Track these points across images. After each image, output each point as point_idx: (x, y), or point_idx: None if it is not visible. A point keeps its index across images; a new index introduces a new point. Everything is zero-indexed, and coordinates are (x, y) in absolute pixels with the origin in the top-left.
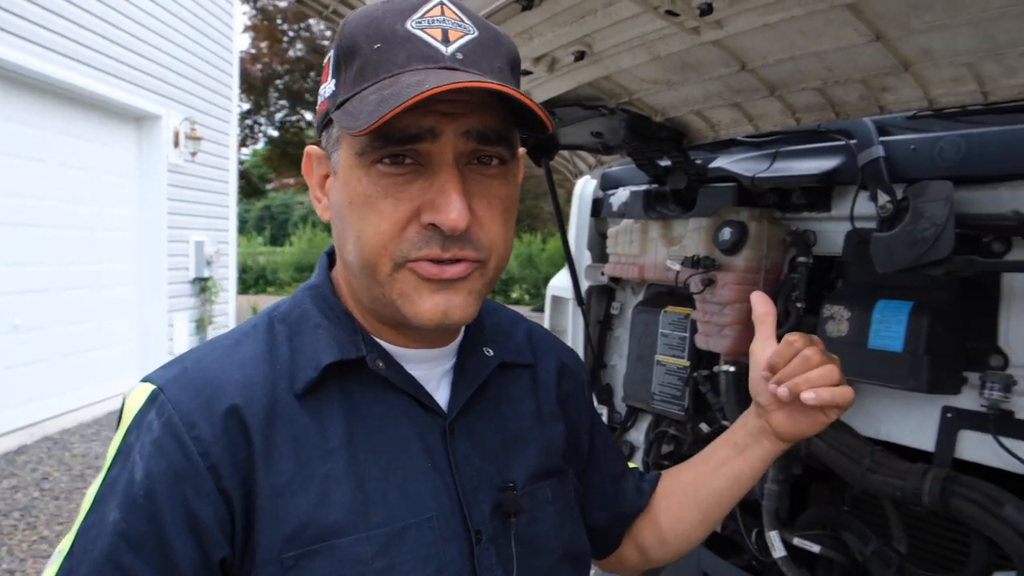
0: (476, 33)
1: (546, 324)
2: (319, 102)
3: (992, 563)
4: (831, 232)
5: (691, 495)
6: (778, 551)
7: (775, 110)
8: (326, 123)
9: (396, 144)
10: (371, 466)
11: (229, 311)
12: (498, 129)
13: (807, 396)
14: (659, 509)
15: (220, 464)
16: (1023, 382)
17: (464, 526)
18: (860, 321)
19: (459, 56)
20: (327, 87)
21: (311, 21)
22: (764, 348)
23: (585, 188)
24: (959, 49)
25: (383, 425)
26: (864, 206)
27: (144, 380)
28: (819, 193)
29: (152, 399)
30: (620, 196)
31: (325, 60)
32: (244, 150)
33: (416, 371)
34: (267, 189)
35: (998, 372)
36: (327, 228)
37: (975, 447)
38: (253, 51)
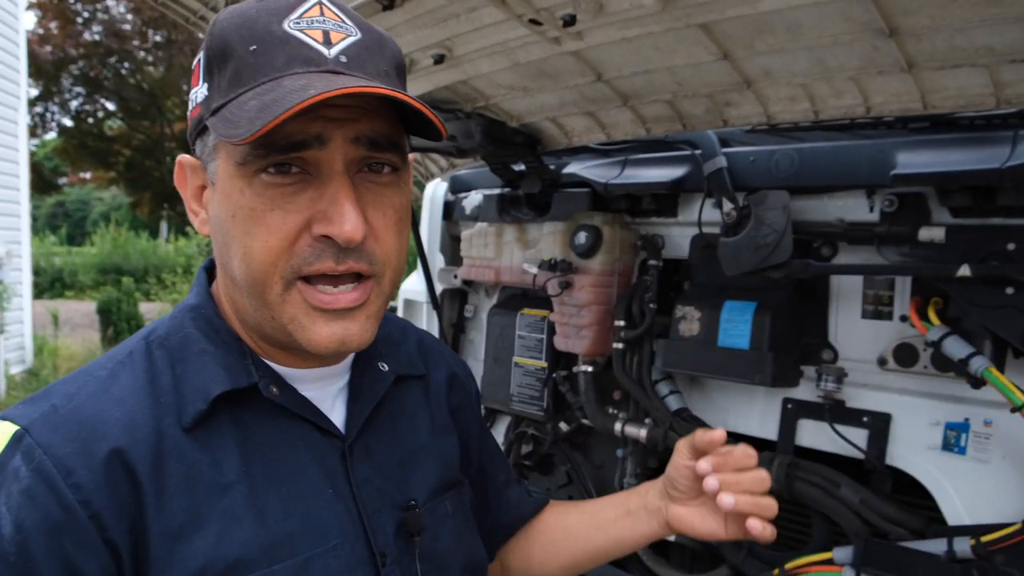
0: (359, 35)
1: None
2: (190, 107)
3: (831, 540)
4: (677, 237)
5: (570, 541)
6: None
7: (627, 120)
8: (200, 130)
9: (281, 152)
10: (271, 498)
11: (24, 318)
12: (389, 135)
13: (725, 500)
14: (535, 540)
15: (103, 512)
16: (853, 374)
17: (369, 550)
18: (710, 321)
19: (343, 59)
20: (199, 91)
21: (109, 2)
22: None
23: (436, 191)
24: (796, 71)
25: (280, 453)
26: (709, 213)
27: (2, 418)
28: (667, 200)
29: (16, 441)
30: (473, 199)
31: (195, 61)
32: (33, 140)
33: (309, 392)
34: (61, 184)
35: (831, 365)
36: (133, 226)
37: (812, 434)
38: (41, 31)
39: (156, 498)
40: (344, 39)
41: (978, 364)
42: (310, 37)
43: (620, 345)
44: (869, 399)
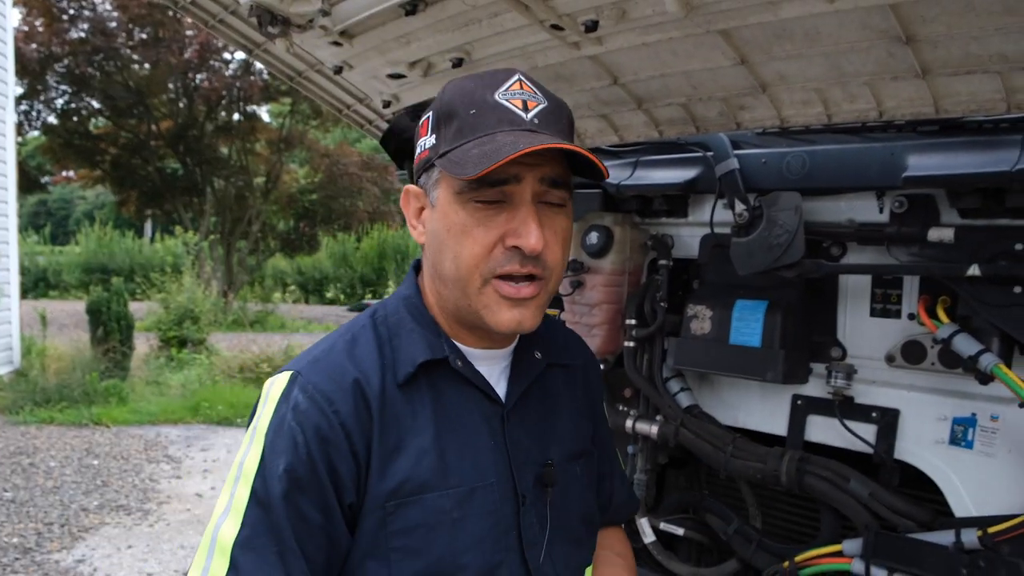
0: (547, 103)
1: None
2: (418, 151)
3: (839, 533)
4: (687, 237)
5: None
6: (648, 536)
7: (640, 122)
8: (427, 167)
9: (490, 187)
10: (450, 442)
11: (12, 318)
12: (563, 176)
13: None
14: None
15: (352, 431)
16: (861, 371)
17: (514, 492)
18: (721, 319)
19: (536, 121)
20: (427, 140)
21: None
22: None
23: None
24: (811, 76)
25: (459, 410)
26: (720, 214)
27: (282, 370)
28: (677, 200)
29: (293, 380)
30: None
31: (423, 119)
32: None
33: (481, 367)
34: (46, 183)
35: (842, 362)
36: (117, 225)
37: (821, 430)
38: (26, 28)
39: (380, 427)
40: (537, 106)
41: (987, 361)
42: (513, 105)
43: (631, 343)
44: (878, 395)
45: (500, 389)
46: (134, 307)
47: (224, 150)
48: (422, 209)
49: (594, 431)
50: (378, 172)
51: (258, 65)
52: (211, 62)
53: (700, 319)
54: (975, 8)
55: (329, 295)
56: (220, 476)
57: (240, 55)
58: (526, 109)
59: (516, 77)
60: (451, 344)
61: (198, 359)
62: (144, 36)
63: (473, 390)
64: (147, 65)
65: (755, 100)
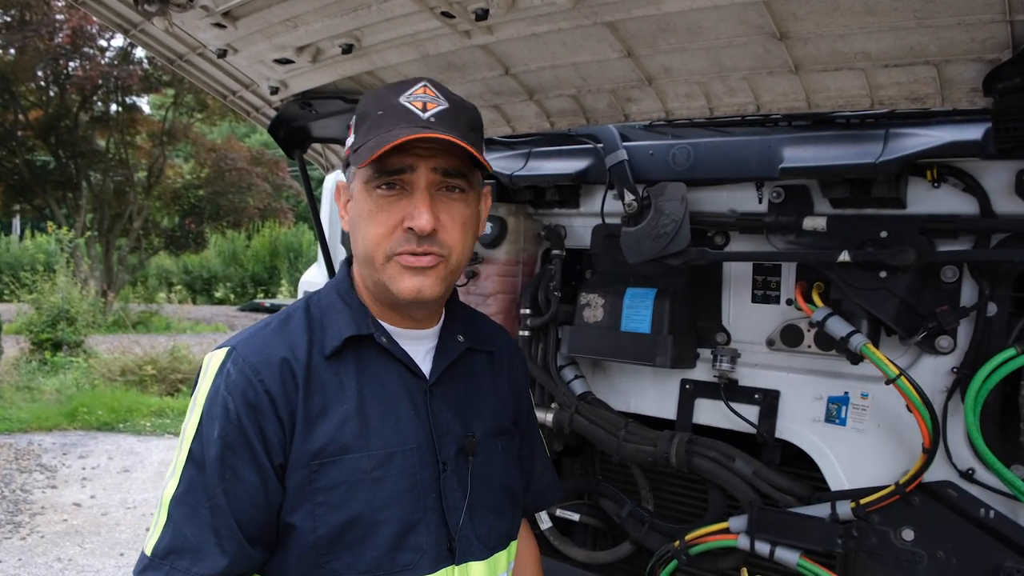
0: (446, 105)
1: None
2: (344, 149)
3: (726, 511)
4: (579, 227)
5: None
6: (545, 523)
7: (532, 113)
8: (347, 163)
9: (388, 175)
10: (373, 410)
11: None
12: (457, 167)
13: None
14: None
15: (277, 398)
16: (745, 354)
17: (435, 458)
18: (613, 307)
19: (431, 120)
20: (349, 140)
21: None
22: None
23: (336, 183)
24: (693, 69)
25: (383, 382)
26: (610, 204)
27: (220, 346)
28: (570, 191)
29: (228, 354)
30: None
31: (350, 123)
32: None
33: (407, 347)
34: None
35: (727, 347)
36: None
37: (708, 412)
38: None
39: (304, 395)
40: (435, 107)
41: (857, 341)
42: (414, 106)
43: (526, 332)
44: (759, 377)
45: (425, 367)
46: (0, 308)
47: (101, 143)
48: (348, 201)
49: (516, 415)
50: (269, 167)
51: (138, 53)
52: (85, 49)
53: (593, 307)
54: (840, 8)
55: (218, 295)
56: (101, 484)
57: (117, 42)
58: (424, 109)
59: (422, 83)
60: (376, 323)
61: (75, 362)
62: (8, 19)
63: (397, 364)
64: (12, 50)
65: (642, 92)
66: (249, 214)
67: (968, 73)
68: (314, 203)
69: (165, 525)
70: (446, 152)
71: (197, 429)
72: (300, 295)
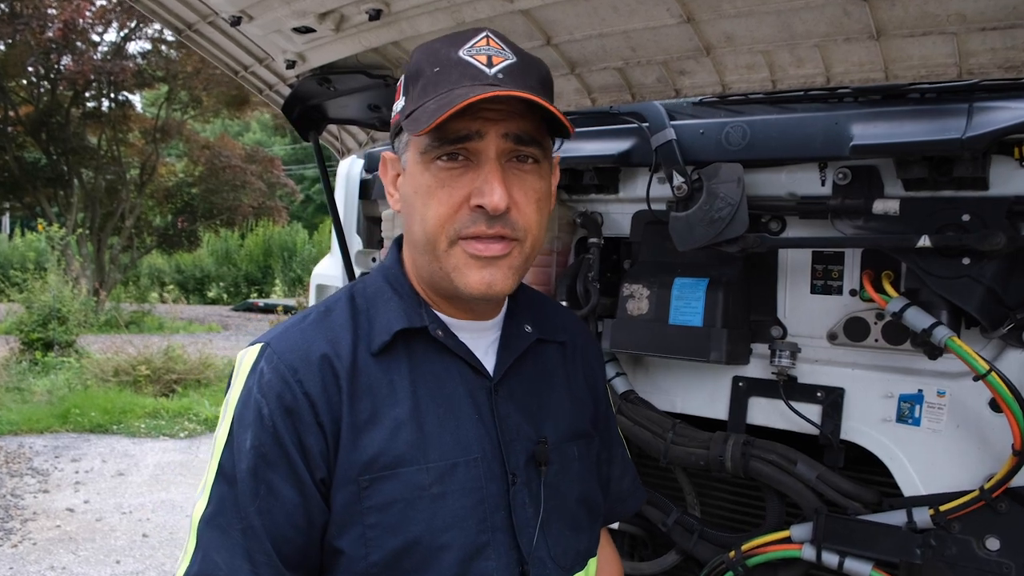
0: (515, 59)
1: None
2: (392, 115)
3: (783, 518)
4: (617, 214)
5: None
6: None
7: (571, 89)
8: (398, 131)
9: (450, 144)
10: (429, 414)
11: None
12: (532, 133)
13: None
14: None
15: (317, 401)
16: (804, 350)
17: (503, 469)
18: (660, 299)
19: (500, 76)
20: (398, 104)
21: None
22: None
23: (352, 169)
24: (759, 37)
25: (440, 381)
26: (655, 188)
27: (254, 342)
28: (608, 175)
29: (262, 351)
30: None
31: (397, 83)
32: None
33: (467, 340)
34: None
35: (786, 341)
36: None
37: (763, 412)
38: None
39: (350, 398)
40: (503, 62)
41: (941, 334)
42: (477, 61)
43: None
44: (820, 374)
45: (488, 363)
46: None
47: (93, 139)
48: (397, 176)
49: (594, 413)
50: (263, 165)
51: (131, 49)
52: (78, 43)
53: (637, 299)
54: None
55: (211, 294)
56: (95, 488)
57: (110, 36)
58: (490, 64)
59: (484, 34)
60: (431, 314)
61: (67, 363)
62: None
63: (457, 361)
64: (2, 45)
65: (697, 64)
66: (243, 213)
67: None
68: (330, 189)
69: (195, 551)
70: (519, 115)
71: (227, 438)
72: (312, 291)
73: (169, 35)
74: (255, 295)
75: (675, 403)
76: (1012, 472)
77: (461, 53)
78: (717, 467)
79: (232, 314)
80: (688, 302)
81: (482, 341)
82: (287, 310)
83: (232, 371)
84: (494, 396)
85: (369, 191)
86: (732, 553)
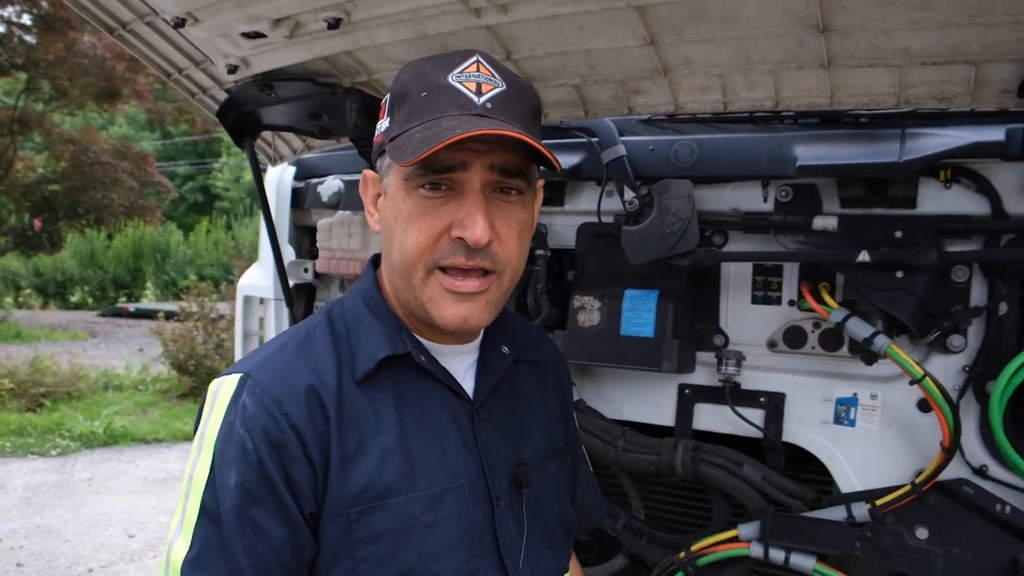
0: (504, 87)
1: (237, 328)
2: (376, 134)
3: (729, 519)
4: (562, 226)
5: None
6: None
7: None
8: (381, 152)
9: (435, 173)
10: (415, 441)
11: None
12: (517, 164)
13: None
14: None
15: (305, 434)
16: (747, 357)
17: (488, 493)
18: (611, 310)
19: (488, 105)
20: (383, 123)
21: None
22: None
23: (283, 176)
24: (716, 61)
25: (424, 408)
26: (606, 202)
27: (230, 372)
28: (555, 188)
29: (242, 383)
30: (331, 186)
31: (383, 101)
32: None
33: (447, 364)
34: None
35: (732, 350)
36: None
37: (708, 417)
38: None
39: (337, 429)
40: (492, 90)
41: (881, 343)
42: (466, 87)
43: None
44: (762, 380)
45: (467, 386)
46: None
47: None
48: (378, 196)
49: (566, 430)
50: (135, 162)
51: None
52: None
53: (588, 310)
54: (894, 1)
55: (74, 299)
56: None
57: None
58: (479, 92)
59: (474, 59)
60: (413, 338)
61: None
62: None
63: (439, 386)
64: None
65: (653, 84)
66: (114, 212)
67: (1004, 74)
68: (265, 198)
69: None
70: (505, 147)
71: (209, 477)
72: (239, 300)
73: (27, 19)
74: (124, 299)
75: (622, 411)
76: (940, 467)
77: (450, 79)
78: (668, 472)
79: (99, 320)
80: (639, 313)
81: (461, 364)
82: (169, 316)
83: (203, 402)
84: (476, 420)
85: (301, 200)
86: (682, 554)
